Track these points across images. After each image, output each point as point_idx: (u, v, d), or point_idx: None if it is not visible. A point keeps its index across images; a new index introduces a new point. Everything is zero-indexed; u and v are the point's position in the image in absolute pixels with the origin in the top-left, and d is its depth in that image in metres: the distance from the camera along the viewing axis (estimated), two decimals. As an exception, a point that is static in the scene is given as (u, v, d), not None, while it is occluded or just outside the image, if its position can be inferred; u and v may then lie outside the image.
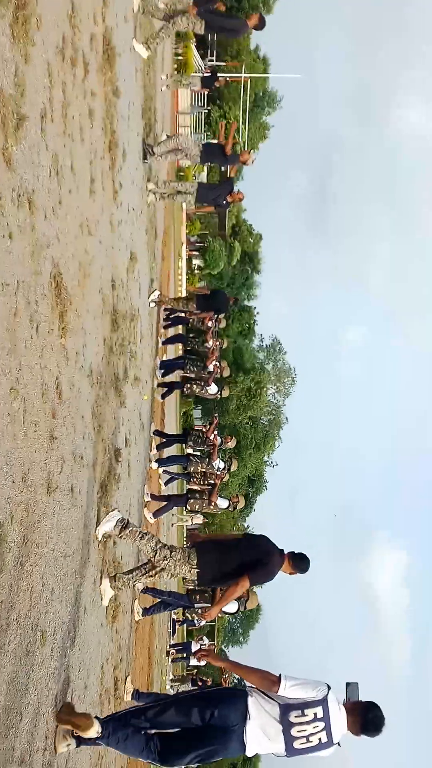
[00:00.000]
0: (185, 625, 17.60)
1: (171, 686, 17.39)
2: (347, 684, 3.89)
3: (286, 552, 5.03)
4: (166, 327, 12.55)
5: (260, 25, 9.40)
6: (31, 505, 3.25)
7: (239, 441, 47.56)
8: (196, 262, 50.74)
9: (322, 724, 3.60)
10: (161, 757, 3.80)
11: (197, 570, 4.99)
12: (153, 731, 3.83)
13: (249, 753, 3.73)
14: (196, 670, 22.94)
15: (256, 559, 4.89)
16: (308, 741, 3.62)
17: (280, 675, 3.72)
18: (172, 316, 12.24)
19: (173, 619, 16.67)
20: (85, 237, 4.90)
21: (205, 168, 41.92)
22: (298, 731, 3.60)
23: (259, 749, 3.70)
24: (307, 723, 3.59)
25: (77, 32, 4.73)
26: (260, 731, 3.65)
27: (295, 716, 3.59)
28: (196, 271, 50.04)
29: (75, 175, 4.55)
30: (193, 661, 16.95)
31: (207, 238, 50.34)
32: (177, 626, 17.55)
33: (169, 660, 15.59)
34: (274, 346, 62.54)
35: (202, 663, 16.24)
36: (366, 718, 3.71)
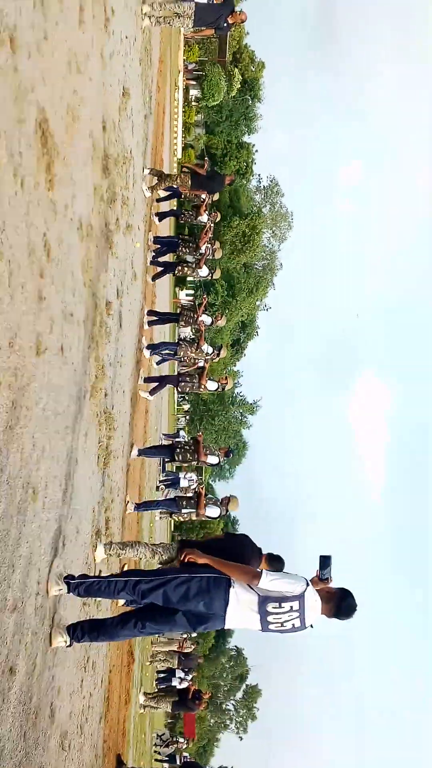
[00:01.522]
0: (174, 463, 18.31)
1: (160, 517, 18.48)
2: (321, 557, 4.16)
3: (264, 552, 5.15)
4: (159, 201, 12.10)
5: None
6: (19, 369, 3.22)
7: (232, 286, 47.35)
8: (193, 92, 47.63)
9: (296, 614, 3.97)
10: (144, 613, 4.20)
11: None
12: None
13: (227, 627, 4.17)
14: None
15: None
16: (282, 626, 4.00)
17: (261, 570, 4.03)
18: (167, 190, 11.81)
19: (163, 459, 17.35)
20: (74, 75, 4.49)
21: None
22: (274, 618, 3.96)
23: (237, 626, 4.12)
24: (283, 613, 3.95)
25: None
26: (239, 616, 4.02)
27: (272, 607, 3.94)
28: (193, 103, 47.10)
29: (62, 3, 4.09)
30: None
31: (206, 65, 46.92)
32: (166, 465, 18.30)
33: (160, 493, 16.41)
34: (272, 187, 60.37)
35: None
36: (340, 607, 4.09)
